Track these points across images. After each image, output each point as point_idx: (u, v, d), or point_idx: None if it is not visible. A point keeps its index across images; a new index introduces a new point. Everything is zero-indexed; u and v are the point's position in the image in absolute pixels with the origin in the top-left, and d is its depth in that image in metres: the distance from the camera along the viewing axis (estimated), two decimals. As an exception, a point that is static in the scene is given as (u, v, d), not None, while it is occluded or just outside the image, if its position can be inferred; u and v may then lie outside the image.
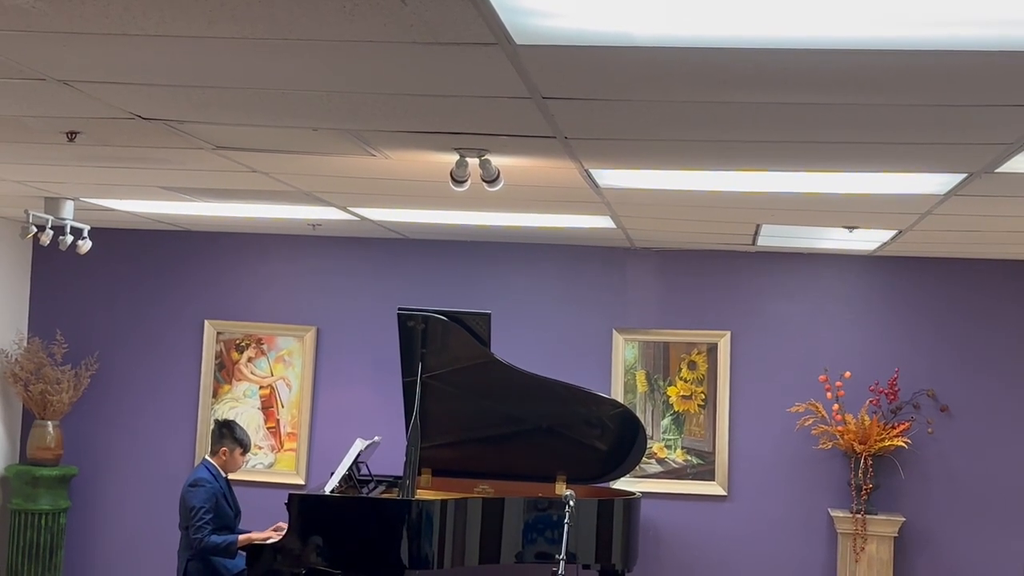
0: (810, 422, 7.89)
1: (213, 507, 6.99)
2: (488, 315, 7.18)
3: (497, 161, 4.60)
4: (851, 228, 6.44)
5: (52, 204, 6.79)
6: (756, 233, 6.97)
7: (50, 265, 8.53)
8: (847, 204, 5.65)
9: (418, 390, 7.09)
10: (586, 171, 4.95)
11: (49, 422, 8.34)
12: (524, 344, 8.02)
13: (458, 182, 4.63)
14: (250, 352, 8.57)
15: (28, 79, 3.67)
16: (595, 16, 2.80)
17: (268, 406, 8.54)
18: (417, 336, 7.17)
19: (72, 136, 4.61)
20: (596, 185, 5.32)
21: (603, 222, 6.79)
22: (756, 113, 3.73)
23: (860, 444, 7.72)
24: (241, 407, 8.50)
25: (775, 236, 7.14)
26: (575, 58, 3.15)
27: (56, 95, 3.88)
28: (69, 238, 6.83)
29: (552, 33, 2.93)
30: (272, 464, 8.47)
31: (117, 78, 3.67)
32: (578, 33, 2.93)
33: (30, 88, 3.80)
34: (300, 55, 3.22)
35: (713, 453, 8.09)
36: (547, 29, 2.90)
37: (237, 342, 8.57)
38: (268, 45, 3.12)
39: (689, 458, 8.13)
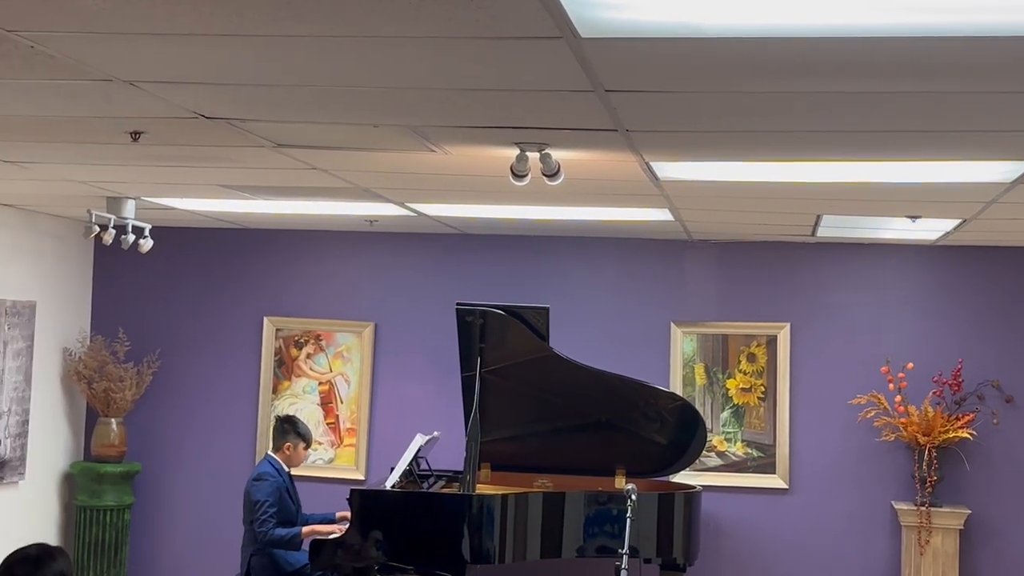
0: (872, 414, 7.82)
1: (277, 501, 7.05)
2: (546, 309, 7.17)
3: (557, 155, 4.59)
4: (914, 217, 6.36)
5: (114, 203, 6.86)
6: (816, 224, 6.91)
7: (112, 264, 8.63)
8: (911, 193, 5.59)
9: (477, 385, 7.10)
10: (646, 164, 4.92)
11: (113, 419, 8.44)
12: (582, 338, 8.00)
13: (518, 177, 4.62)
14: (309, 348, 8.62)
15: (95, 80, 3.71)
16: (661, 8, 2.78)
17: (327, 402, 8.59)
18: (476, 331, 7.17)
19: (136, 136, 4.65)
20: (656, 178, 5.30)
21: (661, 215, 6.76)
22: (821, 102, 3.70)
23: (924, 436, 7.64)
24: (301, 403, 8.55)
25: (836, 226, 7.07)
26: (639, 50, 3.14)
27: (122, 96, 3.92)
28: (131, 237, 6.90)
29: (617, 26, 2.92)
30: (332, 460, 8.51)
31: (182, 78, 3.70)
32: (643, 25, 2.91)
33: (97, 89, 3.84)
34: (364, 52, 3.23)
35: (774, 446, 8.03)
36: (612, 22, 2.89)
37: (296, 338, 8.62)
38: (334, 43, 3.13)
39: (749, 451, 8.08)
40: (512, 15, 2.79)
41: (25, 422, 7.93)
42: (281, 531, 6.97)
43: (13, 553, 3.60)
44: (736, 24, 2.86)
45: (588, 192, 5.91)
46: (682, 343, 8.17)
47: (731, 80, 3.46)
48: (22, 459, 7.91)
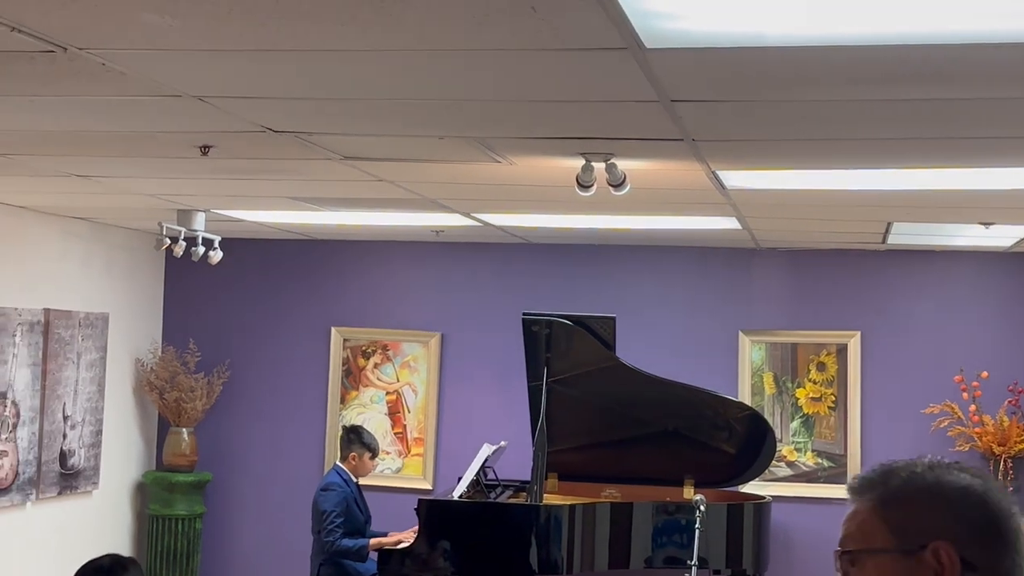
0: (946, 423, 7.69)
1: (344, 511, 7.08)
2: (613, 319, 7.14)
3: (622, 164, 4.57)
4: (987, 224, 6.26)
5: (184, 216, 6.94)
6: (887, 231, 6.82)
7: (182, 275, 8.73)
8: (984, 200, 5.50)
9: (544, 395, 7.08)
10: (713, 173, 4.89)
11: (184, 429, 8.53)
12: (648, 347, 7.96)
13: (584, 187, 4.61)
14: (376, 358, 8.65)
15: (165, 96, 3.75)
16: (727, 18, 2.76)
17: (395, 411, 8.62)
18: (542, 340, 7.16)
19: (205, 150, 4.70)
20: (723, 187, 5.26)
21: (728, 223, 6.71)
22: (892, 110, 3.65)
23: (999, 446, 7.50)
24: (368, 413, 8.59)
25: (907, 234, 6.97)
26: (705, 60, 3.12)
27: (191, 111, 3.96)
28: (201, 249, 6.98)
29: (683, 36, 2.90)
30: (399, 469, 8.54)
31: (251, 93, 3.73)
32: (709, 35, 2.89)
33: (166, 105, 3.89)
34: (431, 65, 3.24)
35: (845, 456, 7.93)
36: (677, 32, 2.87)
37: (363, 348, 8.67)
38: (400, 56, 3.14)
39: (820, 461, 7.99)
40: (577, 27, 2.79)
41: (98, 432, 8.04)
42: (348, 542, 7.00)
43: (86, 564, 3.65)
44: (801, 33, 2.84)
45: (654, 201, 5.88)
46: (750, 352, 8.10)
47: (798, 89, 3.43)
48: (96, 468, 8.03)
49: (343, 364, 8.67)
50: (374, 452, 7.43)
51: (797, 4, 2.64)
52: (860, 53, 2.97)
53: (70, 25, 2.93)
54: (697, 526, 5.91)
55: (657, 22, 2.77)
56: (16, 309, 7.13)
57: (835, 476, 7.92)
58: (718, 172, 4.88)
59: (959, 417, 7.65)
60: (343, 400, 8.65)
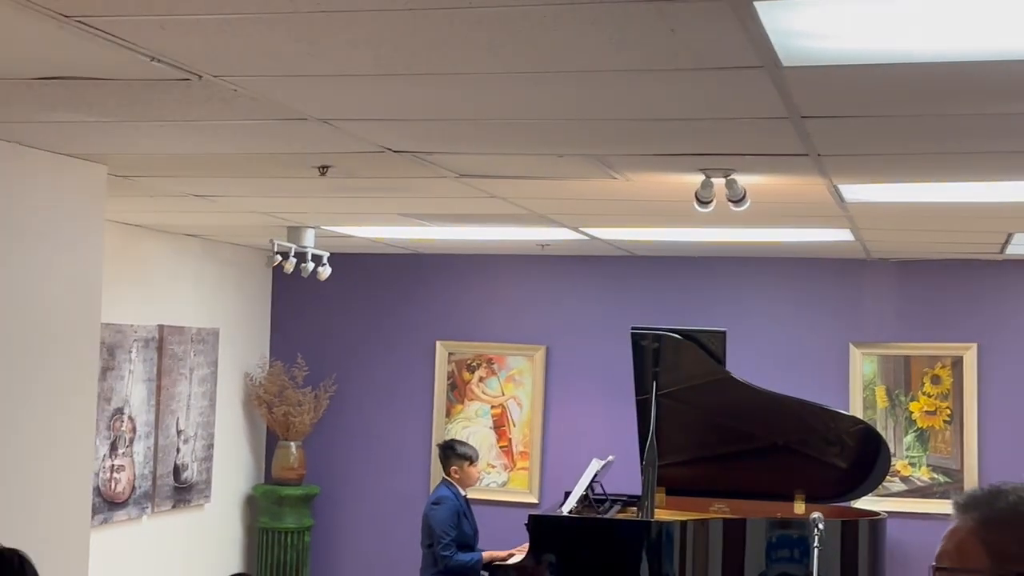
0: (1067, 438, 7.50)
1: (456, 525, 7.11)
2: (724, 333, 7.07)
3: (742, 180, 4.52)
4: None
5: (294, 232, 7.02)
6: (1007, 242, 6.67)
7: (289, 290, 8.82)
8: (1112, 210, 5.36)
9: (653, 409, 7.03)
10: (834, 187, 4.82)
11: (292, 443, 8.62)
12: (757, 360, 7.86)
13: (703, 203, 4.57)
14: (481, 372, 8.67)
15: (291, 119, 3.79)
16: (865, 35, 2.72)
17: (500, 425, 8.62)
18: (650, 354, 7.11)
19: (324, 170, 4.74)
20: (842, 200, 5.18)
21: (842, 235, 6.60)
22: (1021, 123, 3.57)
23: (1123, 461, 7.29)
24: (473, 426, 8.61)
25: (1027, 244, 6.82)
26: (840, 77, 3.09)
27: (315, 133, 4.00)
28: (311, 265, 7.05)
29: (820, 54, 2.87)
30: (505, 483, 8.54)
31: (374, 115, 3.76)
32: (844, 53, 2.86)
33: (291, 127, 3.93)
34: (559, 86, 3.23)
35: (961, 471, 7.76)
36: (815, 50, 2.84)
37: (468, 362, 8.69)
38: (528, 78, 3.14)
39: (935, 476, 7.83)
40: (715, 47, 2.76)
41: (210, 446, 8.16)
42: (464, 556, 7.02)
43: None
44: (938, 49, 2.80)
45: (769, 214, 5.81)
46: (861, 365, 7.97)
47: (932, 103, 3.38)
48: (208, 482, 8.14)
49: (448, 378, 8.69)
50: (472, 459, 7.44)
51: (936, 22, 2.61)
52: (993, 68, 2.95)
53: (208, 54, 2.97)
54: (815, 544, 5.82)
55: (796, 41, 2.74)
56: (132, 326, 7.26)
57: (951, 491, 7.74)
58: (839, 186, 4.81)
59: (1081, 432, 7.45)
60: (448, 414, 8.67)
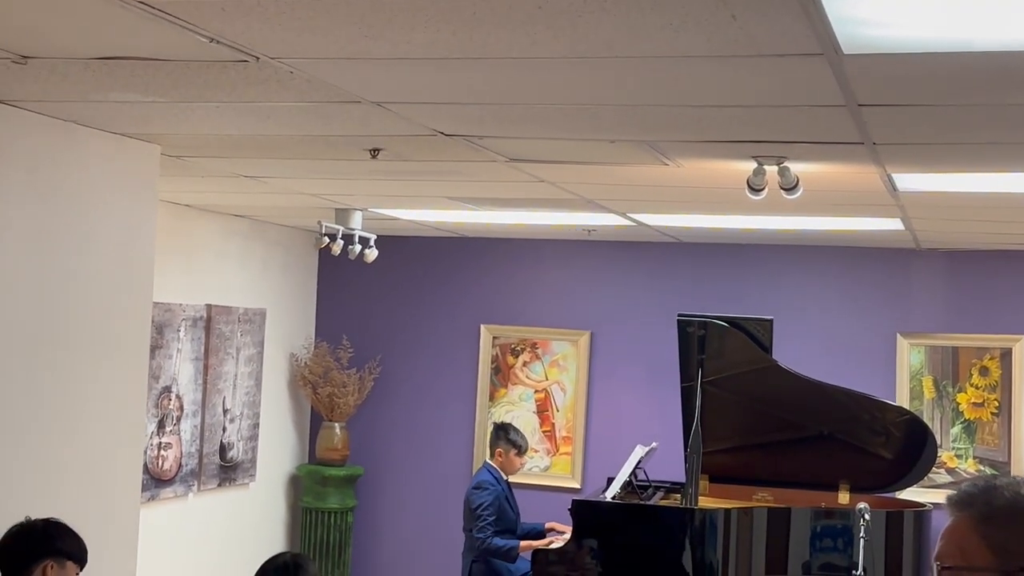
0: (1116, 432, 7.41)
1: (496, 510, 7.12)
2: (770, 321, 7.02)
3: (795, 168, 4.49)
4: None
5: (342, 215, 7.04)
6: (1059, 233, 6.60)
7: (335, 272, 8.86)
8: None
9: (698, 396, 7.01)
10: (888, 175, 4.78)
11: (336, 424, 8.67)
12: (803, 348, 7.81)
13: (755, 190, 4.54)
14: (525, 356, 8.67)
15: (345, 102, 3.80)
16: (926, 23, 2.69)
17: (543, 410, 8.63)
18: (695, 341, 7.08)
19: (375, 153, 4.75)
20: (894, 189, 5.14)
21: (892, 224, 6.55)
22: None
23: None
24: (517, 411, 8.62)
25: (1079, 235, 6.74)
26: (900, 65, 3.06)
27: (368, 116, 4.01)
28: (358, 247, 7.07)
29: (881, 42, 2.84)
30: (548, 467, 8.55)
31: (428, 98, 3.76)
32: (905, 41, 2.83)
33: (345, 110, 3.94)
34: (615, 71, 3.22)
35: (1008, 463, 7.69)
36: (876, 38, 2.81)
37: (512, 346, 8.69)
38: (587, 63, 3.13)
39: (982, 468, 7.76)
40: (775, 34, 2.74)
41: (256, 425, 8.22)
42: (499, 541, 7.03)
43: (267, 563, 3.73)
44: (998, 38, 2.77)
45: (820, 203, 5.77)
46: (908, 355, 7.90)
47: (993, 93, 3.34)
48: (253, 461, 8.21)
49: (492, 362, 8.70)
50: (520, 449, 7.44)
51: (996, 10, 2.58)
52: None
53: (266, 36, 2.98)
54: (861, 535, 5.79)
55: (858, 28, 2.72)
56: (181, 305, 7.32)
57: (997, 484, 7.68)
58: (893, 175, 4.77)
59: None
60: (492, 398, 8.69)
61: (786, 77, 3.19)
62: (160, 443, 7.18)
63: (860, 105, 3.50)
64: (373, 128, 4.27)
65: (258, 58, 3.21)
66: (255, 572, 3.69)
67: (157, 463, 7.16)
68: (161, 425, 7.19)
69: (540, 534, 7.39)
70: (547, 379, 8.64)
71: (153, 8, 2.77)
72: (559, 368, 8.61)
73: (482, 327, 8.73)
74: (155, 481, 7.15)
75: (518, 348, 8.69)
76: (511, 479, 7.48)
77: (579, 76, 3.31)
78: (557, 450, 8.56)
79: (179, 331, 7.31)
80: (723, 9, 2.57)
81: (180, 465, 7.40)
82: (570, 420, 8.54)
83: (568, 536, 6.92)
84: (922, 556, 6.97)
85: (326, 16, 2.79)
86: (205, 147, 4.93)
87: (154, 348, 6.92)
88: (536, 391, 8.65)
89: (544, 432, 8.59)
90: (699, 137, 4.22)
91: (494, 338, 8.72)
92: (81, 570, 3.72)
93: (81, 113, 4.34)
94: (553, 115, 3.94)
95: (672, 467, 7.42)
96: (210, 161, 5.33)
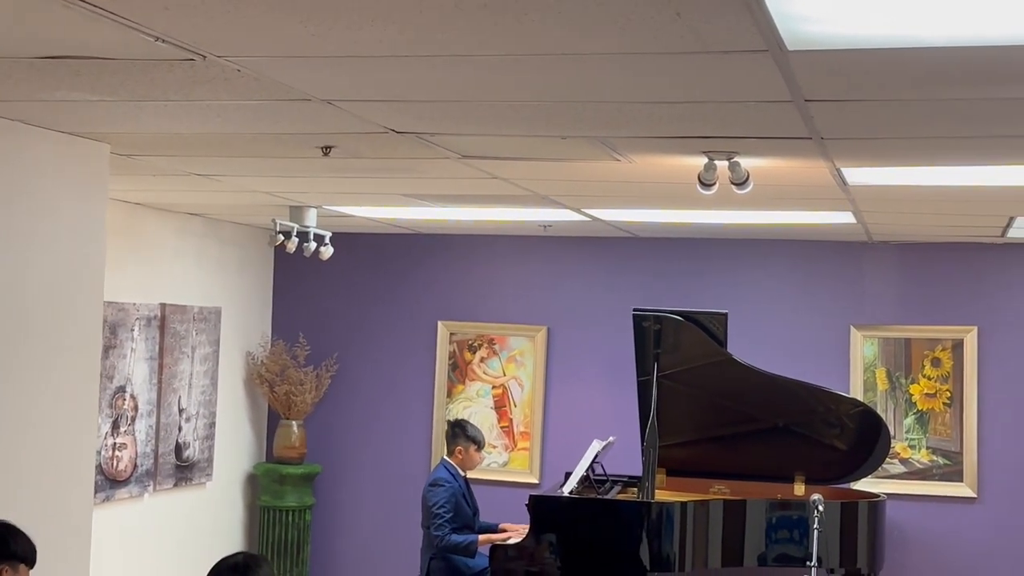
0: (1066, 421, 7.51)
1: (453, 507, 7.11)
2: (725, 315, 7.07)
3: (745, 163, 4.53)
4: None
5: (296, 212, 7.03)
6: (1008, 225, 6.67)
7: (290, 270, 8.83)
8: (1115, 195, 5.36)
9: (654, 390, 7.05)
10: (837, 170, 4.82)
11: (293, 422, 8.64)
12: (758, 342, 7.87)
13: (706, 185, 4.57)
14: (482, 352, 8.68)
15: (295, 100, 3.79)
16: (870, 21, 2.72)
17: (501, 405, 8.64)
18: (651, 336, 7.12)
19: (327, 150, 4.75)
20: (844, 183, 5.18)
21: (843, 218, 6.61)
22: (1022, 108, 3.58)
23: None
24: (475, 406, 8.62)
25: (1028, 227, 6.82)
26: (843, 61, 3.09)
27: (318, 114, 4.00)
28: (313, 245, 7.05)
29: (824, 38, 2.87)
30: (506, 463, 8.56)
31: (378, 96, 3.76)
32: (849, 37, 2.86)
33: (295, 108, 3.93)
34: (563, 68, 3.23)
35: (961, 453, 7.78)
36: (820, 34, 2.84)
37: (470, 342, 8.70)
38: (533, 61, 3.14)
39: (935, 458, 7.84)
40: (720, 30, 2.76)
41: (212, 424, 8.18)
42: (457, 538, 7.03)
43: (220, 563, 3.71)
44: (944, 34, 2.81)
45: (771, 197, 5.81)
46: (862, 347, 7.98)
47: (936, 88, 3.38)
48: (209, 460, 8.16)
49: (449, 358, 8.70)
50: (479, 444, 7.45)
51: (940, 7, 2.62)
52: (996, 53, 2.96)
53: (212, 34, 2.97)
54: (815, 526, 5.84)
55: (801, 25, 2.74)
56: (135, 304, 7.28)
57: (950, 474, 7.78)
58: (842, 169, 4.81)
59: (1081, 415, 7.46)
60: (450, 394, 8.69)
61: (733, 73, 3.21)
62: (115, 443, 7.13)
63: (807, 100, 3.53)
64: (324, 126, 4.26)
65: (204, 56, 3.20)
66: (207, 572, 3.67)
67: (112, 464, 7.12)
68: (115, 425, 7.14)
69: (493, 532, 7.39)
70: (505, 375, 8.65)
71: (97, 7, 2.75)
72: (516, 364, 8.62)
73: (439, 323, 8.73)
74: (110, 482, 7.10)
75: (475, 344, 8.69)
76: (470, 475, 7.48)
77: (527, 73, 3.32)
78: (515, 445, 8.58)
79: (133, 331, 7.27)
80: (667, 7, 2.59)
81: (135, 465, 7.35)
82: (528, 415, 8.56)
83: (525, 531, 6.93)
84: (876, 546, 7.04)
85: (271, 14, 2.78)
86: (155, 146, 4.91)
87: (107, 348, 6.87)
88: (494, 387, 8.66)
89: (502, 427, 8.60)
90: (650, 133, 4.24)
91: (451, 334, 8.72)
92: (31, 570, 3.70)
93: (28, 112, 4.30)
94: (504, 112, 3.95)
95: (630, 461, 7.46)
96: (161, 160, 5.30)
